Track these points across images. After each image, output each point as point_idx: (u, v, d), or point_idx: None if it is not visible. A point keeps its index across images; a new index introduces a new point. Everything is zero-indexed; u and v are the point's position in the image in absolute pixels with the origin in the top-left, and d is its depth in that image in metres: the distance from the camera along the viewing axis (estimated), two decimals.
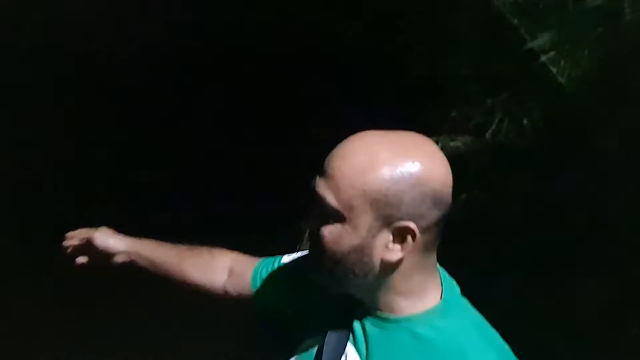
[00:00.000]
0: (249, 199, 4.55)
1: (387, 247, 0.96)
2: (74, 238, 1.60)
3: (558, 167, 2.78)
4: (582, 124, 2.76)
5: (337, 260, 0.97)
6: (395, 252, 0.96)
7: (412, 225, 0.93)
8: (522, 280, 2.89)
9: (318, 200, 0.96)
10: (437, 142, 2.83)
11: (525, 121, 3.10)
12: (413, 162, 0.94)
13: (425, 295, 1.01)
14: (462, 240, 2.89)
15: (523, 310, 2.80)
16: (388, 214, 0.93)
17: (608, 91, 2.74)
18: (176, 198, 4.75)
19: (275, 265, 1.35)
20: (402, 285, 0.99)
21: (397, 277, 0.98)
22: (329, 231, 0.96)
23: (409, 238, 0.94)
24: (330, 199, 0.94)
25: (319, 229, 0.97)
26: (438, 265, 1.08)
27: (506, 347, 1.03)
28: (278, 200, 3.92)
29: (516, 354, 1.05)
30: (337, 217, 0.95)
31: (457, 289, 1.10)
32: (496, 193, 2.99)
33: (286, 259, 1.34)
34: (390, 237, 0.95)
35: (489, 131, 3.08)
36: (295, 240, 2.33)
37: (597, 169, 2.67)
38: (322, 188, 0.96)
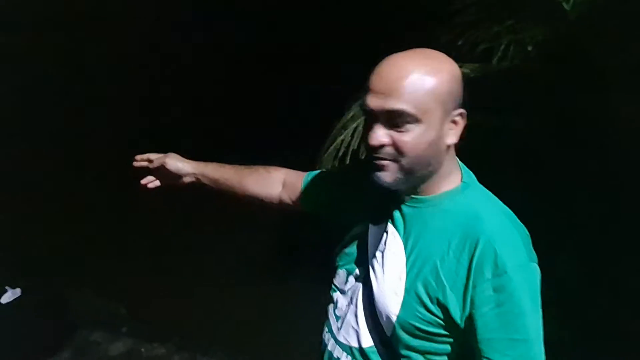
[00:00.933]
0: None
1: (449, 134, 1.21)
2: (143, 160, 1.81)
3: (561, 90, 2.88)
4: (585, 48, 2.84)
5: (419, 157, 1.18)
6: (454, 136, 1.22)
7: (462, 110, 1.21)
8: (519, 202, 3.07)
9: (390, 114, 1.15)
10: None
11: (530, 47, 3.19)
12: (450, 64, 1.20)
13: (451, 178, 1.26)
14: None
15: None
16: (450, 107, 1.18)
17: (611, 15, 2.80)
18: None
19: (322, 175, 1.65)
20: (446, 168, 1.24)
21: (446, 161, 1.23)
22: (410, 136, 1.16)
23: (461, 122, 1.21)
24: (408, 107, 1.14)
25: (395, 139, 1.16)
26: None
27: (514, 216, 1.25)
28: None
29: None
30: (414, 121, 1.15)
31: (473, 175, 1.32)
32: (501, 118, 3.12)
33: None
34: (452, 125, 1.20)
35: (495, 57, 3.17)
36: None
37: (599, 87, 2.77)
38: (394, 102, 1.14)
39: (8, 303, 3.72)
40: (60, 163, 5.48)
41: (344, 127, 3.00)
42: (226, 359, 3.51)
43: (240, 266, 4.37)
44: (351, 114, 3.06)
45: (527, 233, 1.23)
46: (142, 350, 3.66)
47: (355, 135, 2.96)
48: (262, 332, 3.75)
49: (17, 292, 3.83)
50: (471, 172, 1.33)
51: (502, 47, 3.15)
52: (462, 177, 1.28)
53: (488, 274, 1.14)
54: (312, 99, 4.67)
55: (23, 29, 5.69)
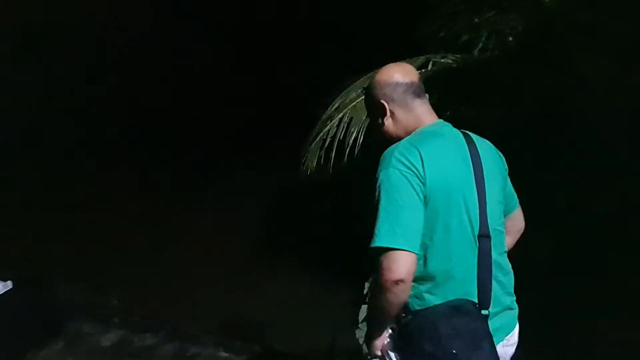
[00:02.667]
0: None
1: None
2: None
3: (540, 76, 2.92)
4: (562, 37, 2.88)
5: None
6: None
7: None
8: None
9: None
10: (428, 60, 2.97)
11: (510, 38, 3.23)
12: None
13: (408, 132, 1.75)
14: None
15: None
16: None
17: (586, 4, 2.84)
18: None
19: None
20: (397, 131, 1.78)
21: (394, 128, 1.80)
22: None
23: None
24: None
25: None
26: (444, 122, 1.78)
27: (419, 151, 1.63)
28: None
29: None
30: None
31: (428, 129, 1.73)
32: (483, 107, 3.16)
33: None
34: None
35: (477, 48, 3.21)
36: None
37: (576, 72, 2.81)
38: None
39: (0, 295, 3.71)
40: (54, 158, 5.47)
41: (330, 119, 3.02)
42: (216, 349, 3.53)
43: (230, 259, 4.39)
44: (336, 105, 3.09)
45: (405, 150, 1.63)
46: (134, 340, 3.65)
47: (341, 126, 2.99)
48: (251, 322, 3.77)
49: (9, 284, 3.79)
50: (434, 130, 1.73)
51: (483, 38, 3.19)
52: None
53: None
54: (293, 93, 4.69)
55: None
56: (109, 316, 3.84)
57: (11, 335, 3.45)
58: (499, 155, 1.83)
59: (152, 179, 5.26)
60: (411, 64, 3.15)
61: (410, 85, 1.73)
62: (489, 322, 1.62)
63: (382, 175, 1.60)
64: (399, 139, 1.69)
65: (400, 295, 1.55)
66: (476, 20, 3.20)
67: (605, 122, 2.64)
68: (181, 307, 3.98)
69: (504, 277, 1.71)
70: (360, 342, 3.31)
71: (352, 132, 2.91)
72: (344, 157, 2.92)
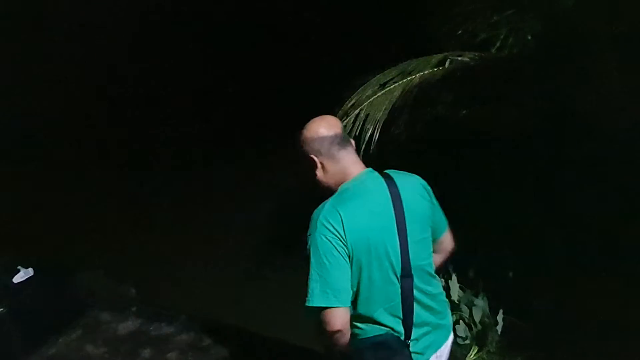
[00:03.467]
0: None
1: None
2: None
3: (559, 75, 2.88)
4: (581, 36, 2.83)
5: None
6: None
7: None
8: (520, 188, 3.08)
9: None
10: (445, 57, 2.95)
11: (529, 37, 3.18)
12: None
13: (341, 184, 1.87)
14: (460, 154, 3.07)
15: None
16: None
17: (606, 4, 2.79)
18: None
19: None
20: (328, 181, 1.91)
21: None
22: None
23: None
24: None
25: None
26: (370, 170, 1.90)
27: (340, 214, 1.80)
28: None
29: None
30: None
31: (353, 183, 1.86)
32: (500, 106, 3.12)
33: None
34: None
35: (495, 46, 3.17)
36: None
37: (594, 76, 2.77)
38: None
39: (20, 282, 3.76)
40: (77, 146, 5.53)
41: (346, 114, 3.00)
42: (231, 340, 3.54)
43: (247, 253, 4.41)
44: (352, 102, 3.07)
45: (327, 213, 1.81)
46: (150, 329, 3.68)
47: (357, 123, 2.98)
48: (269, 312, 3.78)
49: (30, 271, 3.87)
50: (361, 185, 1.87)
51: (502, 36, 3.15)
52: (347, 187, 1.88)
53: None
54: (310, 90, 4.68)
55: None
56: (127, 305, 3.87)
57: (31, 322, 3.51)
58: (423, 187, 1.96)
59: (174, 176, 5.29)
60: (428, 61, 3.14)
61: (334, 137, 1.87)
62: (420, 342, 1.91)
63: (310, 240, 1.82)
64: (329, 188, 1.90)
65: (340, 339, 1.81)
66: (495, 18, 3.16)
67: (626, 120, 2.59)
68: (198, 298, 4.00)
69: (431, 302, 1.93)
70: None
71: (368, 129, 2.90)
72: (359, 154, 2.90)
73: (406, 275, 1.86)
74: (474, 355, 3.01)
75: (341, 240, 1.79)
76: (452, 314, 3.16)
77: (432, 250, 1.97)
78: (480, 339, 3.05)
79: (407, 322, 1.87)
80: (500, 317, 3.05)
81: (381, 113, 2.92)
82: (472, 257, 3.25)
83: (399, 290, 1.85)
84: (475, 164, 3.18)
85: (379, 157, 3.03)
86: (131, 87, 6.18)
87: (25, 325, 3.50)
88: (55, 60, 6.03)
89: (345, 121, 2.98)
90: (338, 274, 1.79)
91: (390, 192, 1.86)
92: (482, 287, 3.18)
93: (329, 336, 1.79)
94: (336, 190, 1.87)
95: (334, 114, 3.13)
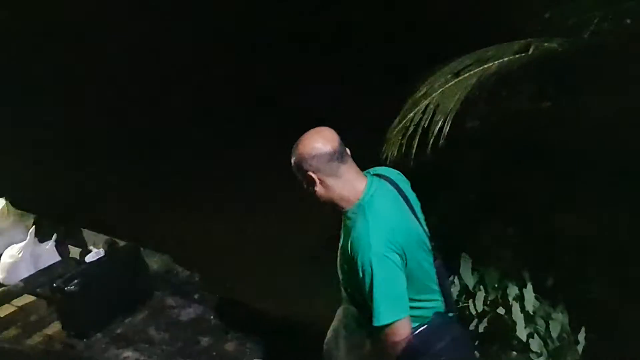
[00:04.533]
0: None
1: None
2: None
3: None
4: None
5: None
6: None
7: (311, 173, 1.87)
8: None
9: None
10: (528, 44, 2.60)
11: (628, 20, 2.77)
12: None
13: (348, 200, 1.88)
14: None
15: None
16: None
17: None
18: None
19: None
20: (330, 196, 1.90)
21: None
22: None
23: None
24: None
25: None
26: (370, 176, 1.94)
27: (384, 226, 1.82)
28: None
29: None
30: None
31: (371, 194, 1.88)
32: (588, 97, 2.76)
33: None
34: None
35: (587, 31, 2.78)
36: None
37: None
38: None
39: (91, 262, 3.84)
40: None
41: (415, 104, 2.75)
42: (292, 331, 3.42)
43: (310, 242, 4.25)
44: (423, 91, 2.81)
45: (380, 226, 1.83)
46: (211, 317, 3.64)
47: (427, 113, 2.72)
48: (328, 306, 3.60)
49: (100, 252, 3.94)
50: (373, 193, 1.89)
51: (596, 20, 2.76)
52: (361, 198, 1.90)
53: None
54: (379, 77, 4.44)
55: None
56: (190, 292, 3.86)
57: (98, 301, 3.56)
58: (407, 180, 2.07)
59: (239, 160, 5.22)
60: (510, 47, 2.81)
61: (333, 153, 1.83)
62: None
63: (365, 260, 1.79)
64: (333, 203, 1.90)
65: (404, 345, 1.85)
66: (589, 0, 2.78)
67: None
68: (260, 288, 3.90)
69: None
70: None
71: (438, 121, 2.63)
72: (427, 147, 2.66)
73: (435, 258, 2.02)
74: None
75: (397, 252, 1.81)
76: (526, 327, 2.84)
77: None
78: (556, 357, 2.71)
79: (449, 299, 2.06)
80: (582, 336, 2.70)
81: (453, 104, 2.64)
82: (551, 265, 2.91)
83: (435, 272, 2.00)
84: (559, 164, 2.83)
85: (447, 152, 2.77)
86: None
87: (94, 304, 3.55)
88: None
89: (414, 112, 2.73)
90: (399, 286, 1.82)
91: (398, 192, 1.96)
92: (562, 299, 2.83)
93: (395, 347, 1.83)
94: (338, 205, 1.90)
95: (405, 103, 2.90)
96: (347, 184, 1.86)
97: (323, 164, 1.82)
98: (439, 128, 2.64)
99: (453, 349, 1.96)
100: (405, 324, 1.82)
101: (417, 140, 2.69)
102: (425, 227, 2.02)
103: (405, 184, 2.03)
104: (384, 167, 2.06)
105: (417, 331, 1.91)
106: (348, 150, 1.89)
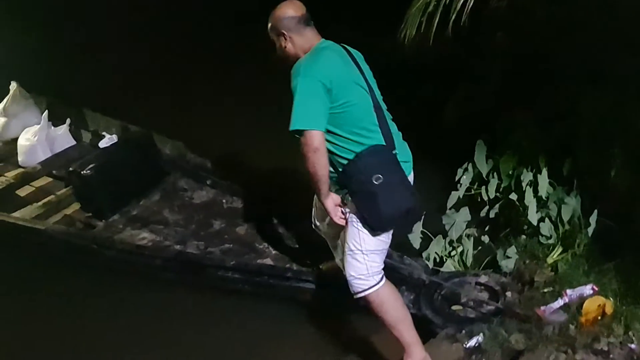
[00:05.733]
0: None
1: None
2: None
3: None
4: None
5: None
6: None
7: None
8: None
9: None
10: None
11: None
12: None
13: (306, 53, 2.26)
14: None
15: None
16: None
17: None
18: None
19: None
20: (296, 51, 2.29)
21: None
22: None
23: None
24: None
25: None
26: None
27: (319, 63, 2.17)
28: None
29: None
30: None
31: (321, 47, 2.26)
32: None
33: None
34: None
35: None
36: None
37: None
38: None
39: (106, 147, 3.79)
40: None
41: None
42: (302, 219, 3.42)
43: None
44: None
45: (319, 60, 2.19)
46: (223, 201, 3.64)
47: None
48: None
49: (114, 137, 3.88)
50: (327, 46, 2.28)
51: None
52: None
53: None
54: None
55: None
56: (203, 177, 3.84)
57: (114, 184, 3.56)
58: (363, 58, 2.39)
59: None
60: None
61: (301, 17, 2.25)
62: (402, 154, 2.28)
63: (295, 82, 2.14)
64: (297, 57, 2.25)
65: (320, 158, 2.13)
66: None
67: None
68: (271, 177, 3.87)
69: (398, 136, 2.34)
70: (447, 228, 3.06)
71: None
72: (447, 26, 2.47)
73: (377, 105, 2.26)
74: (557, 255, 2.67)
75: (322, 81, 2.12)
76: (537, 211, 2.81)
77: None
78: (566, 240, 2.69)
79: (384, 130, 2.24)
80: (593, 219, 2.65)
81: None
82: (567, 150, 2.80)
83: (376, 115, 2.24)
84: (584, 47, 2.63)
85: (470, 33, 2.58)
86: None
87: (109, 187, 3.55)
88: None
89: None
90: (318, 105, 2.12)
91: (349, 56, 2.30)
92: (577, 186, 2.76)
93: (309, 156, 2.11)
94: (300, 57, 2.23)
95: None
96: (308, 41, 2.27)
97: (293, 25, 2.25)
98: (462, 4, 2.43)
99: (392, 189, 2.16)
100: (315, 136, 2.10)
101: (437, 18, 2.50)
102: (377, 90, 2.31)
103: (358, 56, 2.36)
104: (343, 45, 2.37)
105: (356, 154, 2.18)
106: (312, 22, 2.28)
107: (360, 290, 2.25)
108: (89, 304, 3.09)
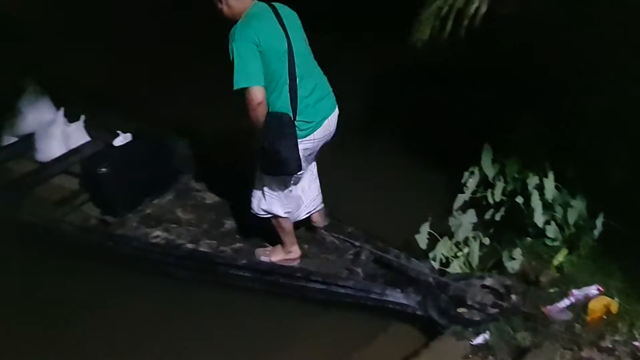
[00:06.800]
0: None
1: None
2: None
3: None
4: None
5: None
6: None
7: None
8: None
9: None
10: None
11: None
12: None
13: (239, 14, 2.62)
14: None
15: None
16: None
17: None
18: None
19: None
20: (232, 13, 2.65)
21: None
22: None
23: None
24: None
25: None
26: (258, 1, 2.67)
27: (249, 27, 2.55)
28: None
29: None
30: None
31: (250, 12, 2.61)
32: None
33: None
34: None
35: None
36: None
37: None
38: None
39: (119, 146, 3.81)
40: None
41: None
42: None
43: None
44: None
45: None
46: (234, 202, 3.65)
47: None
48: (344, 204, 3.57)
49: (128, 136, 3.90)
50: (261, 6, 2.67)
51: None
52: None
53: None
54: None
55: None
56: (215, 176, 3.85)
57: (128, 183, 3.57)
58: (296, 16, 2.74)
59: None
60: None
61: None
62: (318, 108, 2.74)
63: (232, 46, 2.50)
64: (234, 18, 2.60)
65: (262, 110, 2.55)
66: None
67: None
68: None
69: (320, 83, 2.78)
70: (453, 230, 3.08)
71: (475, 1, 2.45)
72: (460, 29, 2.50)
73: (292, 76, 2.61)
74: (563, 257, 2.69)
75: (255, 43, 2.49)
76: (543, 214, 2.82)
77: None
78: (572, 242, 2.70)
79: (293, 105, 2.63)
80: (599, 221, 2.67)
81: None
82: (572, 153, 2.82)
83: (288, 86, 2.61)
84: (591, 50, 2.66)
85: (486, 38, 2.60)
86: None
87: (124, 185, 3.57)
88: None
89: None
90: (255, 64, 2.49)
91: (276, 16, 2.63)
92: (582, 188, 2.77)
93: (254, 108, 2.51)
94: (236, 19, 2.59)
95: None
96: (242, 4, 2.59)
97: None
98: (475, 8, 2.46)
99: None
100: (257, 91, 2.48)
101: (450, 23, 2.53)
102: (303, 41, 2.71)
103: (287, 14, 2.69)
104: (283, 5, 2.72)
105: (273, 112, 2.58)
106: None
107: (261, 214, 2.97)
108: (102, 299, 3.10)
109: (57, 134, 3.98)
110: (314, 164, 3.06)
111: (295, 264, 3.07)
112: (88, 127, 4.14)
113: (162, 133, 3.95)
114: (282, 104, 2.62)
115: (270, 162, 2.66)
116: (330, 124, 2.81)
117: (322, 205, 3.20)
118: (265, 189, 2.87)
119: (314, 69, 2.77)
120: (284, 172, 2.75)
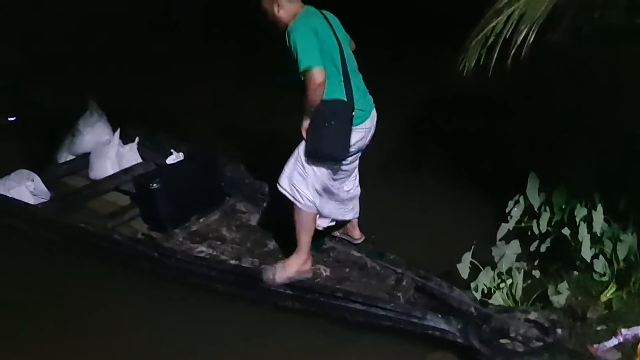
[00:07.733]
0: None
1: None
2: None
3: None
4: None
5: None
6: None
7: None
8: None
9: None
10: None
11: None
12: None
13: (294, 16, 2.77)
14: None
15: None
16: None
17: None
18: None
19: None
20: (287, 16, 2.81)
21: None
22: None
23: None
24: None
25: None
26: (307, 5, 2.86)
27: (306, 20, 2.74)
28: None
29: None
30: None
31: (304, 13, 2.80)
32: None
33: None
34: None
35: None
36: None
37: None
38: None
39: (172, 164, 3.92)
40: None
41: (498, 13, 2.54)
42: (348, 247, 3.40)
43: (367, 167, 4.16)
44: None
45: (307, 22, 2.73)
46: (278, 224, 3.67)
47: (510, 23, 2.51)
48: (384, 230, 3.53)
49: (180, 155, 4.01)
50: (311, 12, 2.84)
51: None
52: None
53: None
54: None
55: None
56: (260, 199, 3.89)
57: (177, 200, 3.66)
58: (340, 23, 2.91)
59: None
60: None
61: None
62: (367, 99, 2.92)
63: (293, 36, 2.64)
64: (288, 20, 2.73)
65: (321, 92, 2.66)
66: None
67: None
68: None
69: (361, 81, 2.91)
70: (496, 260, 2.99)
71: (522, 30, 2.42)
72: (507, 59, 2.46)
73: (345, 74, 2.77)
74: (612, 293, 2.56)
75: (314, 32, 2.66)
76: (591, 248, 2.71)
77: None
78: (621, 278, 2.58)
79: (349, 92, 2.75)
80: None
81: (539, 13, 2.42)
82: (623, 184, 2.71)
83: (342, 75, 2.77)
84: None
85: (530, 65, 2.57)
86: None
87: (173, 202, 3.66)
88: None
89: (496, 20, 2.52)
90: (315, 47, 2.63)
91: (326, 19, 2.82)
92: (633, 221, 2.65)
93: (315, 89, 2.62)
94: (287, 25, 2.71)
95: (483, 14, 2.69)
96: (295, 6, 2.77)
97: None
98: (522, 38, 2.43)
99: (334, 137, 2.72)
100: (319, 72, 2.60)
101: (497, 51, 2.50)
102: (346, 48, 2.84)
103: (333, 18, 2.86)
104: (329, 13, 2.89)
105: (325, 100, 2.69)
106: None
107: (285, 190, 2.94)
108: (146, 308, 3.19)
109: (112, 155, 4.15)
110: (356, 171, 3.10)
111: (307, 276, 3.02)
112: (141, 149, 4.30)
113: (214, 155, 4.04)
114: (339, 93, 2.73)
115: (322, 144, 2.72)
116: (374, 117, 2.93)
117: (357, 216, 3.23)
118: (299, 167, 2.88)
119: (356, 69, 2.90)
120: (330, 157, 2.80)
